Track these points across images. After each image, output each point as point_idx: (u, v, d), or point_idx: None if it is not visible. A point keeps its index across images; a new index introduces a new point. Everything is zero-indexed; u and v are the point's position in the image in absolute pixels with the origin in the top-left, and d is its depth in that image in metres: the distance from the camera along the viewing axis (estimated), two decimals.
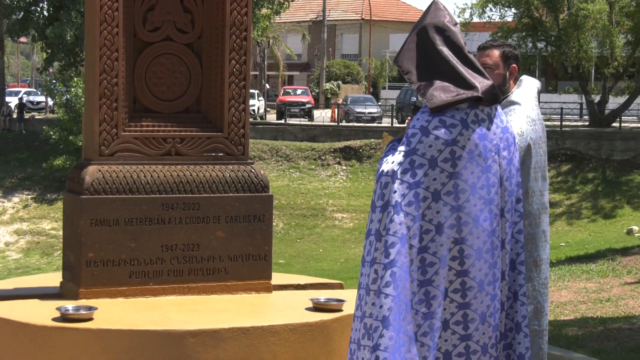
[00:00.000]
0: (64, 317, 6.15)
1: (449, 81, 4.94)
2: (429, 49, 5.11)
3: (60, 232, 7.83)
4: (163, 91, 7.12)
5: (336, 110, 52.46)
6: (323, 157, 43.10)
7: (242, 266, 7.08)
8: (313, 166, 42.67)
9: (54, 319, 6.15)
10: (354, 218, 36.90)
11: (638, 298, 14.87)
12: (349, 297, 6.70)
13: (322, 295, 6.93)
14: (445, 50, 5.09)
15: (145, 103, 7.10)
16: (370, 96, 59.35)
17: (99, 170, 6.82)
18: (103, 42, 6.87)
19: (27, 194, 40.82)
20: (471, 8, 45.20)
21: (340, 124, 49.52)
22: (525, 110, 5.64)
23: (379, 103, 55.92)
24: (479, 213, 5.01)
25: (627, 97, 46.58)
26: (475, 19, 45.39)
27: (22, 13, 43.17)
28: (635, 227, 31.04)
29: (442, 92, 4.92)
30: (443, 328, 4.93)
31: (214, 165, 7.10)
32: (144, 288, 6.85)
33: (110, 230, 6.78)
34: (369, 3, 75.48)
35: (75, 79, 37.86)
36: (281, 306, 6.84)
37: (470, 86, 4.90)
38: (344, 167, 42.47)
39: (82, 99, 26.47)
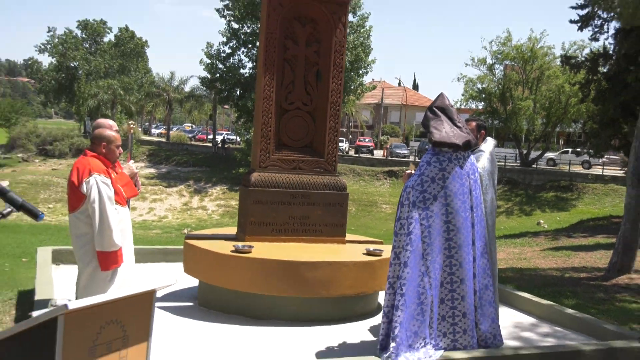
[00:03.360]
0: (237, 250, 6.20)
1: (443, 133, 5.01)
2: (435, 117, 5.15)
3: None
4: (293, 136, 7.11)
5: (386, 151, 52.46)
6: (377, 175, 42.94)
7: (330, 229, 7.05)
8: (372, 179, 42.54)
9: (232, 251, 6.20)
10: (391, 208, 36.65)
11: (541, 259, 14.53)
12: (387, 249, 6.64)
13: (371, 247, 6.88)
14: (444, 117, 5.12)
15: (284, 141, 7.09)
16: (404, 144, 58.94)
17: (259, 175, 6.85)
18: (264, 108, 6.90)
19: (224, 186, 41.40)
20: (459, 101, 44.84)
21: (387, 158, 49.35)
22: (487, 155, 5.56)
23: (409, 148, 55.43)
24: (459, 208, 4.97)
25: (540, 152, 45.84)
26: (462, 106, 44.85)
27: (226, 93, 43.74)
28: (541, 221, 30.52)
29: (439, 133, 4.99)
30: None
31: (318, 175, 7.07)
32: (278, 238, 6.85)
33: (263, 207, 6.80)
34: (406, 96, 75.38)
35: (252, 129, 38.28)
36: (349, 251, 6.78)
37: (450, 138, 5.04)
38: (388, 181, 42.27)
39: None
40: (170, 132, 65.26)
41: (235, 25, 41.18)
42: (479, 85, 44.19)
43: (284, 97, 7.03)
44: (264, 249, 6.37)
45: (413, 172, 5.34)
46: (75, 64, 58.98)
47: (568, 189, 37.33)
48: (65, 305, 2.15)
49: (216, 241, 6.76)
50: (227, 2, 40.50)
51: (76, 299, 5.22)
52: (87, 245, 5.04)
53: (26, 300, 7.17)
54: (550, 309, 7.00)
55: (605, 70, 21.58)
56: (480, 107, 44.96)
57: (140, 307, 2.60)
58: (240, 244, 6.36)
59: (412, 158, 47.85)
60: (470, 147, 5.12)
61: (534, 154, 45.88)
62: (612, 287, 10.28)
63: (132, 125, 6.77)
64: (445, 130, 5.05)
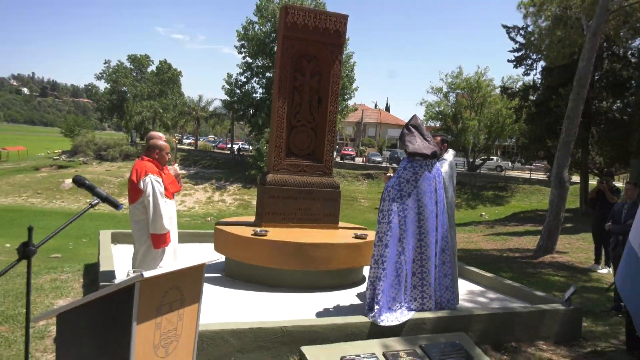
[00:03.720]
0: (256, 234, 6.20)
1: (416, 146, 5.01)
2: (410, 133, 5.16)
3: (253, 201, 7.88)
4: (300, 146, 7.13)
5: (364, 158, 52.28)
6: (358, 177, 42.80)
7: (327, 218, 7.07)
8: (354, 180, 42.36)
9: (252, 234, 6.19)
10: (369, 202, 36.55)
11: (484, 242, 14.59)
12: (370, 234, 6.67)
13: (358, 232, 6.90)
14: (416, 133, 5.14)
15: (292, 150, 7.11)
16: (378, 153, 58.64)
17: (273, 176, 6.86)
18: (277, 125, 6.91)
19: (239, 184, 41.01)
20: (421, 121, 44.59)
21: (365, 164, 49.15)
22: (448, 162, 5.56)
23: (382, 156, 55.19)
24: (428, 202, 4.98)
25: (482, 160, 46.02)
26: (423, 125, 44.57)
27: (241, 112, 43.55)
28: (483, 213, 30.55)
29: (412, 145, 5.00)
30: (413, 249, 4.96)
31: (318, 177, 7.09)
32: (287, 224, 6.86)
33: (275, 200, 6.81)
34: (380, 116, 75.30)
35: (262, 140, 38.05)
36: (342, 235, 6.80)
37: (421, 149, 4.98)
38: (366, 181, 42.18)
39: (265, 148, 26.24)
40: (198, 142, 65.06)
41: (250, 60, 41.14)
42: (437, 109, 44.27)
43: (293, 116, 7.05)
44: (276, 233, 6.39)
45: (391, 175, 5.39)
46: (124, 88, 58.75)
47: (504, 189, 37.56)
48: (142, 274, 2.18)
49: (239, 227, 6.76)
50: (243, 42, 40.45)
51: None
52: (143, 229, 5.06)
53: (91, 271, 7.16)
54: (493, 280, 7.06)
55: (534, 99, 21.82)
56: (437, 125, 45.07)
57: (193, 276, 2.64)
58: (258, 229, 6.38)
59: (384, 164, 47.73)
60: (436, 156, 5.17)
61: (478, 162, 46.07)
62: (539, 264, 10.37)
63: (177, 137, 6.80)
64: (417, 143, 5.10)
